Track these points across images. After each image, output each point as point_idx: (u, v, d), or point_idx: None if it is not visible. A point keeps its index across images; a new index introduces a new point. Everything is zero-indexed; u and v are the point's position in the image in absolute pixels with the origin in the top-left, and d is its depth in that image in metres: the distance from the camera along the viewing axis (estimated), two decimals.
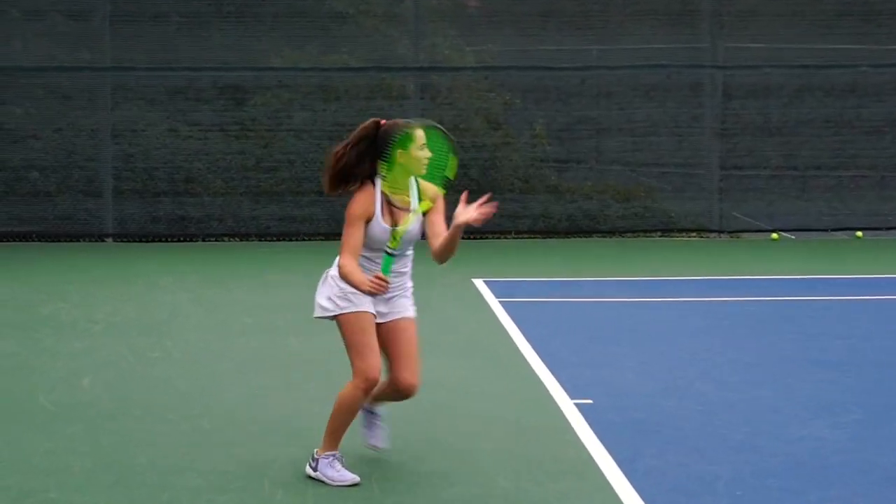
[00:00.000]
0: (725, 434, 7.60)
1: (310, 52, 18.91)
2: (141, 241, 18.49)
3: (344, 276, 6.52)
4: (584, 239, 18.86)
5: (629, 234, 19.09)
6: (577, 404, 8.25)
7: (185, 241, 18.56)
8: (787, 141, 19.29)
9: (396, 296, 6.69)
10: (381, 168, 6.56)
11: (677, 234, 19.15)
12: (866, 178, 19.49)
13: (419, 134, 6.56)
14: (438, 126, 6.69)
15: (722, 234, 19.16)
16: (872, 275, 15.04)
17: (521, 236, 18.89)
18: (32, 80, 18.65)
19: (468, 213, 6.37)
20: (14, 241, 18.32)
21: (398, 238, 6.51)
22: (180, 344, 10.55)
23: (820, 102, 19.25)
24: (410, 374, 6.70)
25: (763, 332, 11.15)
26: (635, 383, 8.99)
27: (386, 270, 6.47)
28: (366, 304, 6.57)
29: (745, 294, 13.48)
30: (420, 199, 6.65)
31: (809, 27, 19.17)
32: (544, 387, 8.84)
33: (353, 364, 6.58)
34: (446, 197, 6.70)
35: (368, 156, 6.59)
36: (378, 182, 6.61)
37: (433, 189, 6.66)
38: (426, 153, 6.58)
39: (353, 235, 6.52)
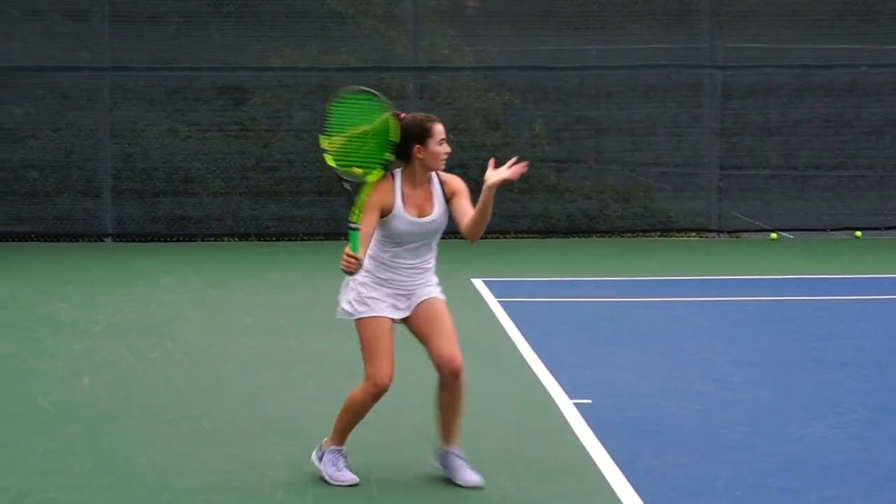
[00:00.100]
0: (725, 434, 7.59)
1: (309, 52, 18.90)
2: (140, 241, 18.48)
3: None
4: (583, 239, 18.85)
5: (628, 234, 19.08)
6: (576, 404, 8.24)
7: (184, 241, 18.55)
8: (787, 141, 19.30)
9: (420, 285, 6.62)
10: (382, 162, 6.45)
11: (677, 234, 19.14)
12: (866, 178, 19.50)
13: (438, 129, 6.49)
14: (366, 89, 6.49)
15: (721, 234, 19.15)
16: (872, 274, 15.02)
17: (520, 236, 18.88)
18: (31, 80, 18.64)
19: (500, 173, 6.31)
20: (13, 240, 18.31)
21: (357, 210, 6.35)
22: (180, 344, 10.54)
23: (820, 102, 19.26)
24: (446, 342, 6.53)
25: (763, 332, 11.14)
26: (635, 383, 8.98)
27: (354, 248, 6.28)
28: (384, 310, 6.53)
29: (744, 294, 13.47)
30: (444, 195, 6.57)
31: (809, 27, 19.16)
32: (543, 387, 8.83)
33: (365, 368, 6.57)
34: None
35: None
36: (398, 174, 6.54)
37: (457, 182, 6.59)
38: (445, 148, 6.50)
39: (363, 222, 6.39)
